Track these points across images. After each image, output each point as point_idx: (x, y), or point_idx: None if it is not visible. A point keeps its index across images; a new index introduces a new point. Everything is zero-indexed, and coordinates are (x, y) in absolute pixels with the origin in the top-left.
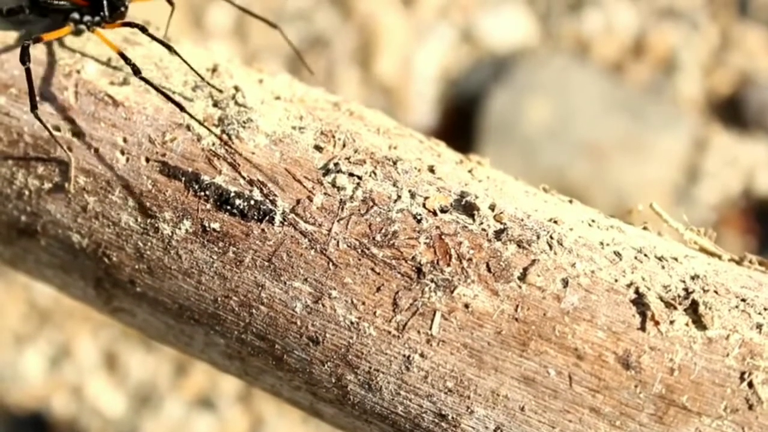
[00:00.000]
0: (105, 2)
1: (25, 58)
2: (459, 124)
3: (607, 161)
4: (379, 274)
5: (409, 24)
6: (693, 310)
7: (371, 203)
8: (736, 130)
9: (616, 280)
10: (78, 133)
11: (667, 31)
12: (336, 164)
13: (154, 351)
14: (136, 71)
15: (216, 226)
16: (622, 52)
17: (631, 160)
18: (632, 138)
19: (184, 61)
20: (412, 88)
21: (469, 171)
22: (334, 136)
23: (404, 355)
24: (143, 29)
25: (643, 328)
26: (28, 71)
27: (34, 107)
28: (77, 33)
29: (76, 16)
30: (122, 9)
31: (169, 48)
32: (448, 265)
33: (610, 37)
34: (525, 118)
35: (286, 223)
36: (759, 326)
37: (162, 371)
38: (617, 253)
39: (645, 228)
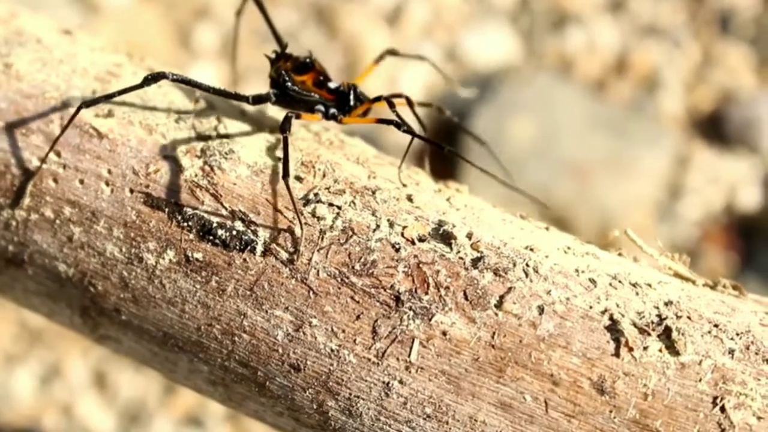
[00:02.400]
0: (351, 98)
1: (286, 126)
2: (444, 142)
3: (590, 179)
4: (358, 302)
5: (394, 43)
6: (666, 336)
7: (351, 233)
8: (718, 146)
9: (590, 307)
10: (63, 164)
11: (649, 49)
12: (316, 194)
13: (143, 370)
14: (399, 125)
15: (199, 255)
16: (604, 69)
17: (614, 178)
18: (615, 155)
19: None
20: (397, 107)
21: (447, 199)
22: (314, 167)
23: (384, 382)
24: (399, 125)
25: (617, 354)
26: (285, 140)
27: (285, 174)
28: (327, 119)
29: (322, 108)
30: (366, 103)
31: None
32: (426, 293)
33: (593, 55)
34: (509, 136)
35: (267, 252)
36: (731, 351)
37: (151, 390)
38: (592, 280)
39: (620, 254)
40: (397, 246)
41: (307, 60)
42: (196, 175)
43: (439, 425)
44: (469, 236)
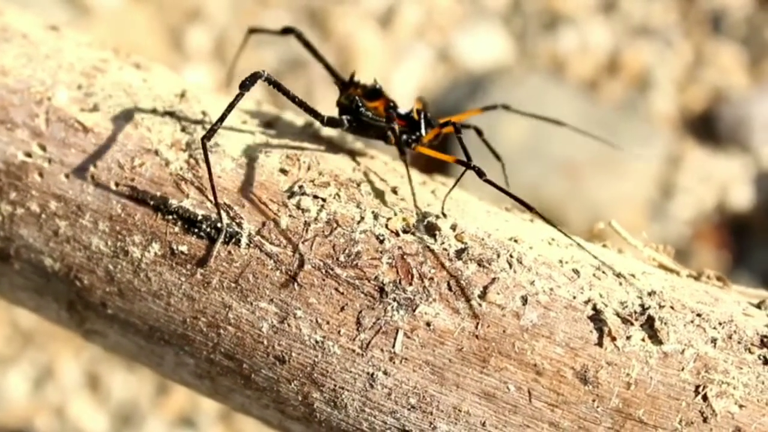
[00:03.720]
0: (422, 124)
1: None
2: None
3: (582, 178)
4: (342, 293)
5: (386, 44)
6: (649, 325)
7: (335, 225)
8: (709, 145)
9: (574, 297)
10: (49, 158)
11: (641, 49)
12: (301, 187)
13: (136, 371)
14: (480, 174)
15: (184, 248)
16: (596, 70)
17: (605, 177)
18: (607, 155)
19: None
20: None
21: (432, 191)
22: (299, 160)
23: (368, 373)
24: (479, 174)
25: (600, 344)
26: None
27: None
28: (398, 145)
29: (393, 134)
30: (437, 128)
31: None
32: (410, 284)
33: (585, 55)
34: (501, 136)
35: (252, 245)
36: (713, 340)
37: (143, 391)
38: (576, 271)
39: (604, 246)
40: (381, 237)
41: (377, 87)
42: (181, 169)
43: (424, 415)
44: (453, 228)
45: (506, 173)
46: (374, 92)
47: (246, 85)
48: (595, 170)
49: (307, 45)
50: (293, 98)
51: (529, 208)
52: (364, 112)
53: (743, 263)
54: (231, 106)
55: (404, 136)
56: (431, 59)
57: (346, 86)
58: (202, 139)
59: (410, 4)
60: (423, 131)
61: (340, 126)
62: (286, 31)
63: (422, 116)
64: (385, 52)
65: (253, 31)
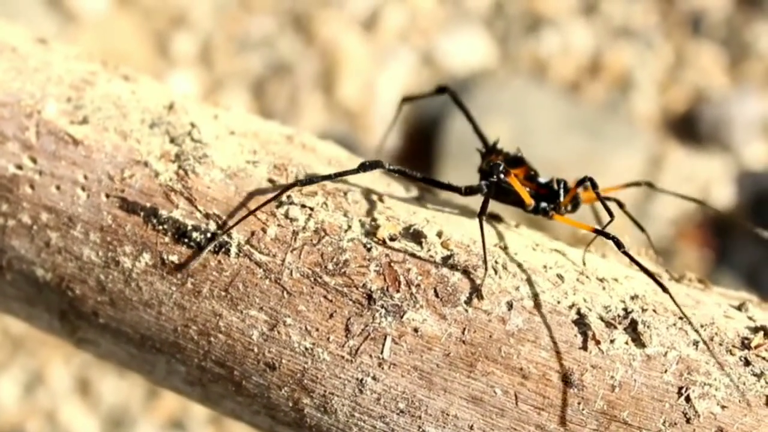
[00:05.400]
0: (561, 193)
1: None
2: (420, 145)
3: (565, 178)
4: (331, 301)
5: (370, 49)
6: (632, 328)
7: (323, 233)
8: (691, 145)
9: (558, 302)
10: (40, 171)
11: (622, 51)
12: (289, 196)
13: (126, 376)
14: (620, 245)
15: (174, 258)
16: (578, 71)
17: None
18: (590, 156)
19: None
20: (374, 112)
21: (417, 200)
22: (286, 169)
23: (357, 379)
24: (618, 245)
25: (585, 348)
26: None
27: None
28: (536, 213)
29: (533, 201)
30: (572, 189)
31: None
32: (398, 291)
33: (567, 57)
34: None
35: (241, 254)
36: (695, 343)
37: (134, 395)
38: (560, 276)
39: (588, 251)
40: (368, 245)
41: (519, 155)
42: (170, 180)
43: (413, 420)
44: (439, 235)
45: (652, 243)
46: (515, 160)
47: (365, 167)
48: (578, 171)
49: (460, 105)
50: (422, 179)
51: (663, 288)
52: (504, 179)
53: (725, 262)
54: (344, 174)
55: (543, 204)
56: (415, 63)
57: (488, 153)
58: (296, 182)
59: (393, 8)
60: (561, 199)
61: (479, 193)
62: (440, 90)
63: (561, 185)
64: (368, 56)
65: (406, 100)
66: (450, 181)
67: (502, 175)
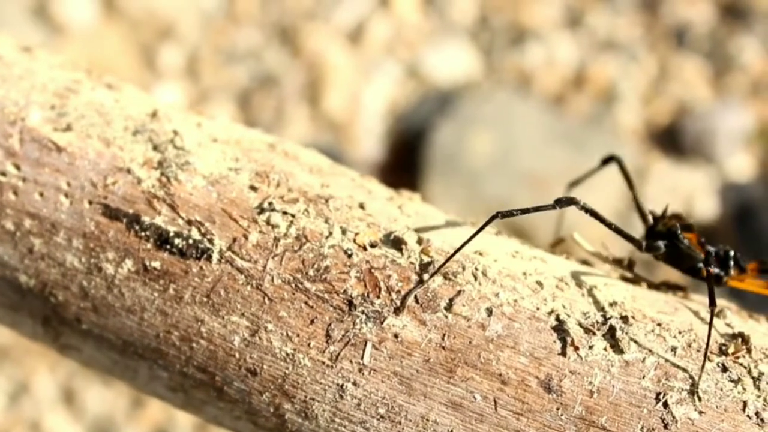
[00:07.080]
0: (732, 261)
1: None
2: (406, 157)
3: (549, 191)
4: (312, 307)
5: (356, 61)
6: (611, 335)
7: (304, 240)
8: (674, 157)
9: (537, 308)
10: (23, 178)
11: (606, 63)
12: (270, 203)
13: (111, 385)
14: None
15: (156, 264)
16: (563, 84)
17: (572, 190)
18: (574, 168)
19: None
20: (359, 124)
21: (399, 207)
22: (268, 177)
23: (338, 384)
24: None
25: (563, 354)
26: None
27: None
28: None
29: (701, 265)
30: (743, 266)
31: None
32: (378, 297)
33: (552, 69)
34: (469, 151)
35: (223, 260)
36: (674, 349)
37: (119, 404)
38: (539, 283)
39: (567, 258)
40: (349, 252)
41: (690, 222)
42: (153, 186)
43: (393, 425)
44: (420, 242)
45: None
46: (689, 226)
47: (561, 203)
48: (562, 183)
49: (626, 175)
50: (609, 225)
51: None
52: (682, 241)
53: None
54: (540, 208)
55: (714, 268)
56: (400, 75)
57: (662, 216)
58: (497, 214)
59: (379, 21)
60: (731, 267)
61: (657, 250)
62: (608, 160)
63: (732, 254)
64: (354, 69)
65: (574, 184)
66: (435, 194)
67: (681, 239)
